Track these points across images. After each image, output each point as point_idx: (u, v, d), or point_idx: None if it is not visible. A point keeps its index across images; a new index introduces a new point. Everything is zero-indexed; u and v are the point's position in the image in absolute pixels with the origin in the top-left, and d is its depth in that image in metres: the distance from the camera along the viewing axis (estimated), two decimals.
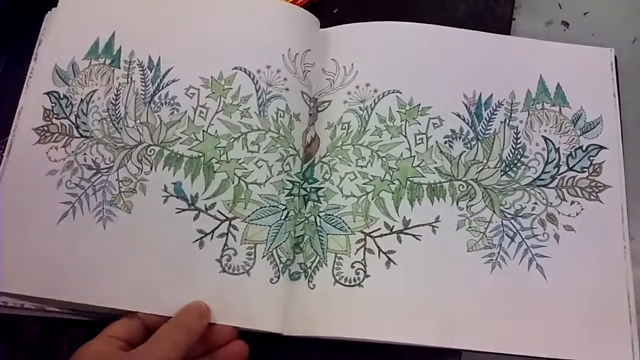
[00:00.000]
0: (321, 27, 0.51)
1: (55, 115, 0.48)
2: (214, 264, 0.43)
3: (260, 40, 0.48)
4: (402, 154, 0.47)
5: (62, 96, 0.49)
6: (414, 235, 0.45)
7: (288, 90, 0.47)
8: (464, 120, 0.48)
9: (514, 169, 0.46)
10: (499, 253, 0.44)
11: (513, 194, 0.46)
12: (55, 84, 0.49)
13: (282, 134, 0.46)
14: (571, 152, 0.47)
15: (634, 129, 0.50)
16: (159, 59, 0.49)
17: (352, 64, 0.50)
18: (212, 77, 0.47)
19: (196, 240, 0.43)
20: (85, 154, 0.47)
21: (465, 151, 0.47)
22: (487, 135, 0.47)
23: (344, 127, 0.48)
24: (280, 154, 0.46)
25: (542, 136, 0.47)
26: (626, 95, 0.49)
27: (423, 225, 0.45)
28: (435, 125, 0.48)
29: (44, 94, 0.49)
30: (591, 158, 0.47)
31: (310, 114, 0.48)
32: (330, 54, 0.50)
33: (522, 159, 0.47)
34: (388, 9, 0.55)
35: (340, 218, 0.45)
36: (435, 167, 0.46)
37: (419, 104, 0.48)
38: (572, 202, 0.46)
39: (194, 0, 0.50)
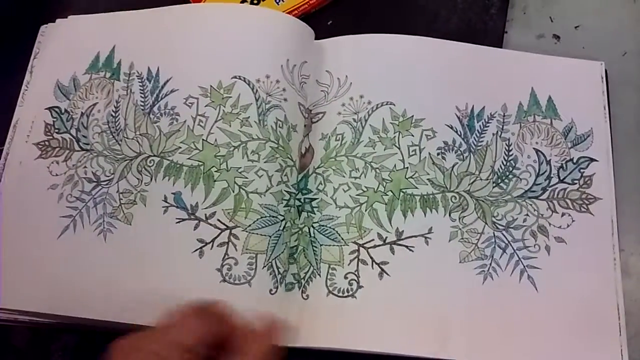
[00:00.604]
0: (315, 38, 0.52)
1: (56, 130, 0.49)
2: (215, 274, 0.42)
3: (260, 50, 0.49)
4: (395, 165, 0.47)
5: (63, 111, 0.49)
6: (406, 247, 0.45)
7: (286, 100, 0.48)
8: (456, 132, 0.48)
9: (506, 180, 0.47)
10: (490, 264, 0.44)
11: (505, 206, 0.46)
12: (56, 99, 0.50)
13: (281, 144, 0.46)
14: (562, 164, 0.47)
15: (623, 141, 0.50)
16: (158, 69, 0.49)
17: (347, 76, 0.50)
18: (211, 86, 0.48)
19: (196, 250, 0.43)
20: (85, 167, 0.47)
21: (457, 163, 0.47)
22: (479, 147, 0.48)
23: (337, 138, 0.48)
24: (279, 164, 0.46)
25: (534, 148, 0.48)
26: (616, 107, 0.50)
27: (416, 236, 0.45)
28: (428, 137, 0.48)
29: (46, 109, 0.49)
30: (582, 170, 0.47)
31: (305, 125, 0.49)
32: (324, 65, 0.51)
33: (514, 171, 0.47)
34: (381, 21, 0.56)
35: (333, 229, 0.45)
36: (428, 179, 0.47)
37: (412, 116, 0.48)
38: (563, 214, 0.46)
39: (192, 11, 0.51)
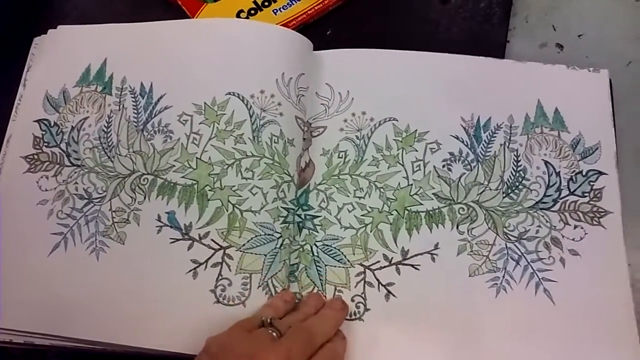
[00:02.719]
0: (314, 49, 0.51)
1: (45, 144, 0.48)
2: (208, 295, 0.42)
3: (254, 65, 0.48)
4: (399, 183, 0.46)
5: (52, 124, 0.48)
6: (412, 266, 0.44)
7: (282, 115, 0.47)
8: (462, 142, 0.47)
9: (516, 191, 0.46)
10: (503, 277, 0.43)
11: (516, 216, 0.45)
12: (45, 112, 0.49)
13: (276, 159, 0.46)
14: (572, 176, 0.46)
15: (628, 152, 0.50)
16: (151, 85, 0.48)
17: (348, 91, 0.49)
18: (205, 103, 0.47)
19: (190, 271, 0.43)
20: (76, 183, 0.46)
21: (465, 173, 0.46)
22: (487, 157, 0.47)
23: (340, 155, 0.47)
24: (275, 181, 0.45)
25: (543, 160, 0.47)
26: (621, 117, 0.49)
27: (422, 254, 0.44)
28: (433, 150, 0.47)
29: (34, 121, 0.48)
30: (591, 183, 0.46)
31: (304, 138, 0.48)
32: (324, 78, 0.50)
33: (524, 182, 0.46)
34: (382, 31, 0.55)
35: (339, 250, 0.45)
36: (433, 193, 0.46)
37: (416, 130, 0.48)
38: (576, 227, 0.45)
39: (186, 25, 0.50)
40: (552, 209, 0.45)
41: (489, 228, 0.45)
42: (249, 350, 0.35)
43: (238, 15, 0.54)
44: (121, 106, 0.48)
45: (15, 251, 0.45)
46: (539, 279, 0.43)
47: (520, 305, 0.43)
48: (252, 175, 0.45)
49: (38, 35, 0.52)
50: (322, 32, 0.55)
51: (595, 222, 0.45)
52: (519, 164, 0.47)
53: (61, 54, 0.51)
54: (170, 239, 0.43)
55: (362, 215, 0.46)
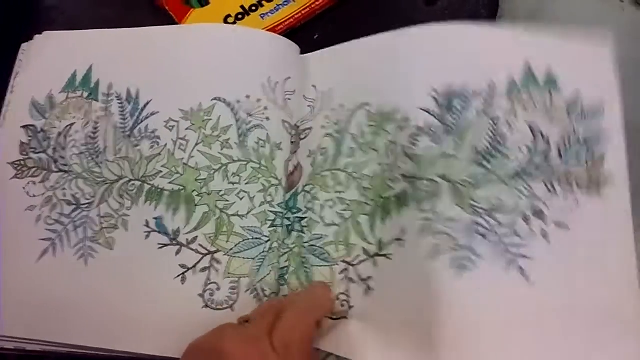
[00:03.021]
0: (302, 52, 0.51)
1: (32, 150, 0.48)
2: (197, 300, 0.42)
3: (239, 70, 0.48)
4: (374, 171, 0.44)
5: (39, 130, 0.48)
6: (385, 256, 0.42)
7: (269, 119, 0.47)
8: (431, 114, 0.43)
9: (490, 159, 0.41)
10: (467, 255, 0.39)
11: (489, 187, 0.40)
12: (32, 118, 0.49)
13: (263, 164, 0.46)
14: (565, 142, 0.41)
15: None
16: (138, 91, 0.48)
17: (330, 89, 0.49)
18: (191, 108, 0.47)
19: (178, 276, 0.43)
20: (64, 189, 0.46)
21: (431, 146, 0.42)
22: (458, 127, 0.42)
23: (322, 153, 0.47)
24: (262, 185, 0.45)
25: (529, 125, 0.42)
26: None
27: (392, 241, 0.42)
28: (402, 128, 0.43)
29: (21, 127, 0.48)
30: (590, 149, 0.41)
31: (292, 142, 0.48)
32: (310, 80, 0.50)
33: (501, 149, 0.41)
34: (368, 33, 0.54)
35: (323, 248, 0.44)
36: (401, 174, 0.42)
37: (386, 111, 0.44)
38: (566, 197, 0.40)
39: (172, 31, 0.50)
40: (537, 179, 0.40)
41: (454, 203, 0.40)
42: (211, 342, 0.35)
43: (226, 20, 0.54)
44: (108, 112, 0.48)
45: (3, 257, 0.45)
46: (513, 256, 0.39)
47: (488, 285, 0.38)
48: (239, 180, 0.45)
49: (26, 41, 0.52)
50: (309, 35, 0.55)
51: (592, 193, 0.40)
52: (496, 130, 0.42)
53: (47, 60, 0.51)
54: (159, 244, 0.44)
55: (342, 210, 0.44)
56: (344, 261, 0.43)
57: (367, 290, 0.42)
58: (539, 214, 0.40)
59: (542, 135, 0.42)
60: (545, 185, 0.40)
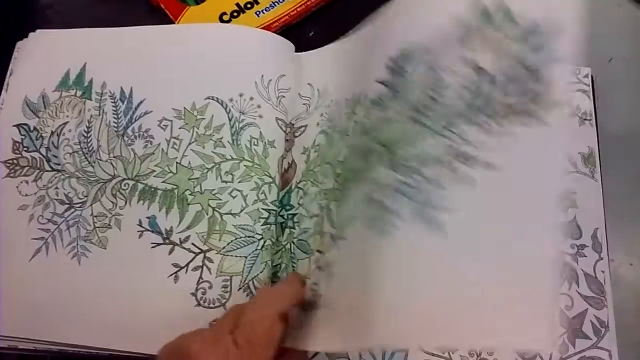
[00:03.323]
0: (297, 50, 0.51)
1: (25, 148, 0.48)
2: (189, 298, 0.42)
3: (232, 68, 0.48)
4: (344, 155, 0.41)
5: (32, 128, 0.48)
6: (342, 238, 0.38)
7: (262, 117, 0.47)
8: (383, 83, 0.38)
9: (428, 112, 0.35)
10: (391, 219, 0.34)
11: (420, 143, 0.35)
12: (25, 116, 0.49)
13: (256, 162, 0.46)
14: (511, 73, 0.34)
15: (610, 148, 0.49)
16: (131, 90, 0.48)
17: (325, 86, 0.49)
18: (185, 107, 0.47)
19: (171, 275, 0.43)
20: (57, 188, 0.46)
21: (378, 115, 0.38)
22: (404, 89, 0.37)
23: (316, 149, 0.46)
24: (255, 183, 0.45)
25: (475, 65, 0.35)
26: (602, 114, 0.49)
27: (349, 222, 0.38)
28: (362, 106, 0.40)
29: (14, 126, 0.48)
30: (538, 75, 0.34)
31: (287, 140, 0.48)
32: (305, 78, 0.50)
33: (440, 99, 0.35)
34: None
35: (307, 241, 0.43)
36: (359, 151, 0.39)
37: (356, 94, 0.41)
38: (502, 134, 0.33)
39: (165, 31, 0.50)
40: (472, 120, 0.34)
41: (390, 168, 0.35)
42: (176, 347, 0.34)
43: (221, 17, 0.54)
44: (101, 111, 0.48)
45: None
46: (434, 211, 0.33)
47: (409, 246, 0.33)
48: (231, 179, 0.45)
49: (21, 40, 0.52)
50: (304, 33, 0.55)
51: (534, 121, 0.33)
52: (438, 81, 0.36)
53: (40, 59, 0.51)
54: (152, 243, 0.44)
55: (321, 200, 0.43)
56: (318, 250, 0.42)
57: (330, 276, 0.38)
58: (466, 159, 0.33)
59: (488, 74, 0.35)
60: (481, 127, 0.34)
